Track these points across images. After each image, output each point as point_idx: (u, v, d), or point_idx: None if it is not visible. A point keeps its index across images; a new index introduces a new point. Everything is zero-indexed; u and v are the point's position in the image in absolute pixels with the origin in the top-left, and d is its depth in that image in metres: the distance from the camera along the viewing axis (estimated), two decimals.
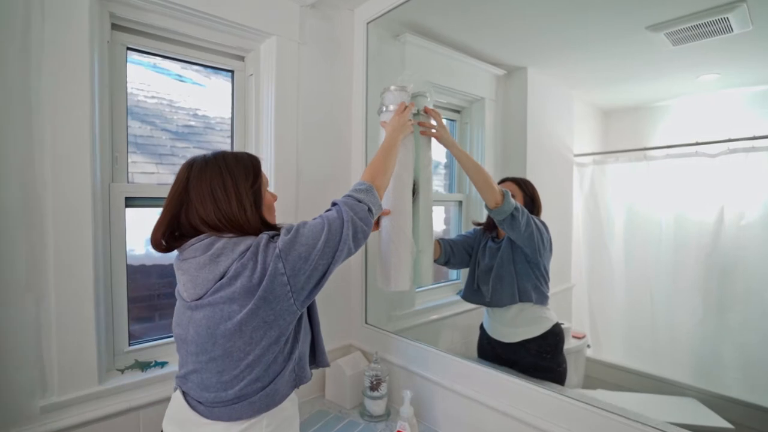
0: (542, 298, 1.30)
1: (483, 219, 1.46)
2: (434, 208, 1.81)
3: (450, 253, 1.44)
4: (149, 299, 1.39)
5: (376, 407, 1.40)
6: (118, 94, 1.25)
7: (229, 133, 1.54)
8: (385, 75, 1.60)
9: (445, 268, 1.78)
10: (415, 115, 1.25)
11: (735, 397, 1.20)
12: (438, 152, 1.70)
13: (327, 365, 0.96)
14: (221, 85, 1.51)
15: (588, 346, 1.47)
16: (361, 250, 1.62)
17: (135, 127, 1.29)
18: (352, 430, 1.35)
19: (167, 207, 0.82)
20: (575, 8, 1.31)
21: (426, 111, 1.28)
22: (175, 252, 0.85)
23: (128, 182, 1.28)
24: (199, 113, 1.45)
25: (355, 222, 0.86)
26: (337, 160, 1.66)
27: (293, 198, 1.51)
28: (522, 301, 1.30)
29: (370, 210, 0.92)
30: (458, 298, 1.48)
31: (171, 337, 1.34)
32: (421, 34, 1.59)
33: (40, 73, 1.01)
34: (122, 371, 1.23)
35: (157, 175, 1.37)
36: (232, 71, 1.50)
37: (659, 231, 1.38)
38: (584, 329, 1.49)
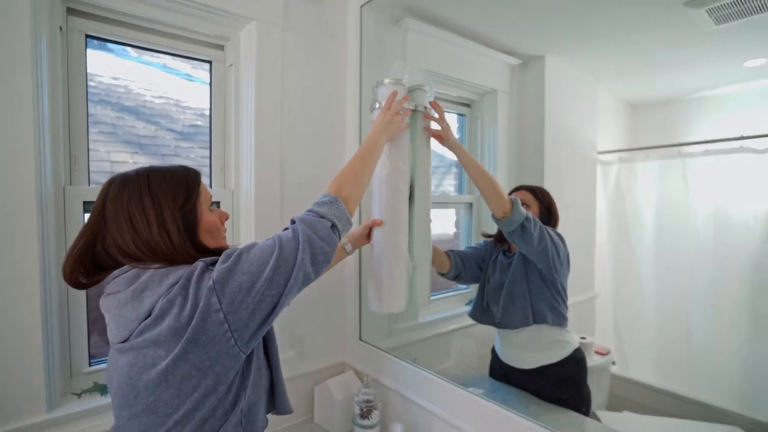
0: (560, 319, 1.17)
1: (494, 229, 1.33)
2: (444, 211, 1.70)
3: (461, 266, 1.32)
4: None
5: None
6: (75, 88, 1.14)
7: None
8: (383, 66, 1.47)
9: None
10: (412, 111, 1.10)
11: None
12: (434, 145, 1.64)
13: (289, 412, 0.83)
14: None
15: (613, 363, 1.35)
16: (356, 256, 1.49)
17: (140, 127, 1.29)
18: None
19: (80, 235, 0.70)
20: None
21: (432, 105, 1.14)
22: None
23: (90, 185, 1.17)
24: (206, 113, 1.43)
25: (313, 242, 0.72)
26: (328, 161, 1.53)
27: (277, 204, 1.39)
28: (537, 323, 1.16)
29: (334, 227, 0.78)
30: (468, 308, 1.37)
31: None
32: (424, 19, 1.47)
33: None
34: (79, 395, 1.12)
35: None
36: (209, 62, 1.38)
37: (696, 237, 1.25)
38: (609, 344, 1.37)
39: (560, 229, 1.19)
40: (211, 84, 1.40)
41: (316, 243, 0.72)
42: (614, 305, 1.41)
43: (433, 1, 1.45)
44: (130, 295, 0.65)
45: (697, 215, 1.25)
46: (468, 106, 1.61)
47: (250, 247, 0.70)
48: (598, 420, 1.18)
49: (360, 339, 1.52)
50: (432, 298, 1.62)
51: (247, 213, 1.35)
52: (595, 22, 1.27)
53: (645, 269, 1.37)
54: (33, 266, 0.98)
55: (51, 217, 1.04)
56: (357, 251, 1.39)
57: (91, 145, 1.23)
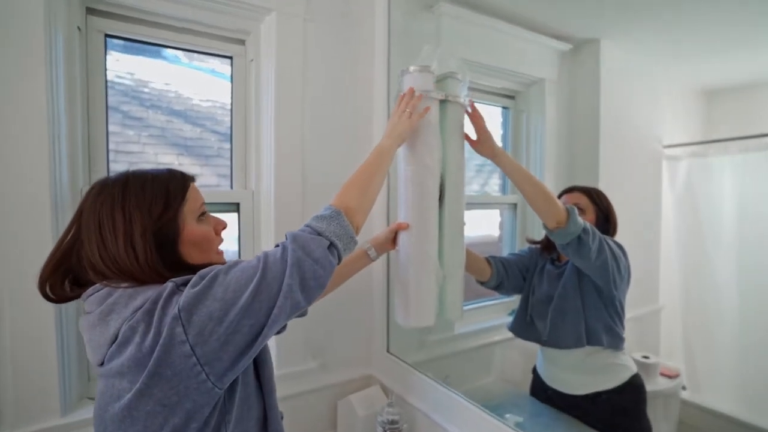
0: (616, 341, 1.03)
1: (540, 234, 1.20)
2: (487, 212, 1.59)
3: (503, 274, 1.20)
4: None
5: None
6: (94, 87, 1.14)
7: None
8: (413, 55, 1.37)
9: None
10: (442, 102, 0.99)
11: None
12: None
13: None
14: None
15: (683, 387, 1.18)
16: (384, 258, 1.39)
17: (187, 129, 1.33)
18: None
19: (58, 243, 0.65)
20: None
21: (471, 108, 1.03)
22: None
23: None
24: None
25: (303, 265, 0.62)
26: (353, 158, 1.44)
27: (298, 206, 1.33)
28: (590, 345, 1.02)
29: (333, 246, 0.68)
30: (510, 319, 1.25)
31: None
32: (460, 3, 1.37)
33: None
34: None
35: (202, 176, 1.37)
36: (230, 57, 1.35)
37: None
38: (677, 364, 1.20)
39: (620, 233, 1.05)
40: (232, 81, 1.37)
41: (307, 266, 0.63)
42: (683, 319, 1.24)
43: None
44: (97, 317, 0.60)
45: None
46: (512, 98, 1.49)
47: (229, 267, 0.61)
48: None
49: (387, 351, 1.42)
50: (469, 307, 1.54)
51: (268, 215, 1.31)
52: None
53: (722, 277, 1.19)
54: None
55: (67, 219, 1.04)
56: (386, 253, 1.30)
57: (139, 148, 1.27)
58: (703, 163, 1.20)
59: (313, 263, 0.63)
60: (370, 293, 1.50)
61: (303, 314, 0.97)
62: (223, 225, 0.75)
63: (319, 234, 0.67)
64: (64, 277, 0.65)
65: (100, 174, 1.16)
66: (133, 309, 0.58)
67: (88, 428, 1.02)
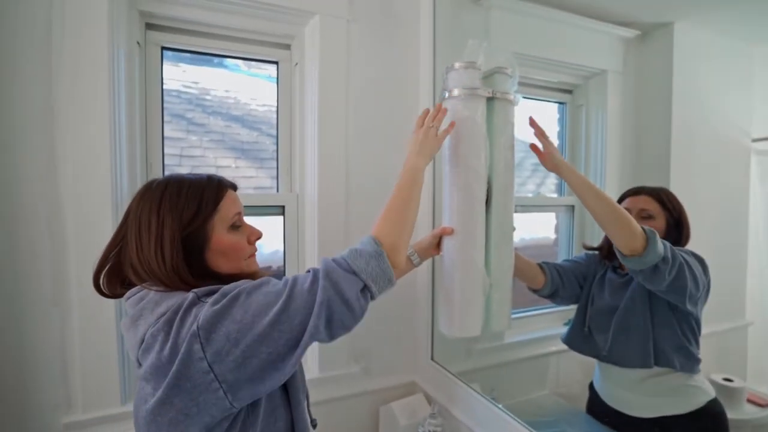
0: (690, 363, 0.92)
1: (596, 240, 1.12)
2: (543, 215, 1.50)
3: (558, 282, 1.11)
4: None
5: None
6: (152, 98, 1.22)
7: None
8: (460, 52, 1.33)
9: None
10: (489, 100, 0.93)
11: None
12: (536, 139, 1.46)
13: None
14: None
15: None
16: (429, 262, 1.36)
17: (244, 134, 1.39)
18: None
19: (110, 241, 0.68)
20: None
21: (533, 127, 0.96)
22: None
23: None
24: None
25: (332, 305, 0.59)
26: (398, 162, 1.41)
27: (341, 209, 1.32)
28: (659, 366, 0.92)
29: (366, 289, 0.64)
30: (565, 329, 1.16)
31: None
32: None
33: (60, 80, 1.00)
34: None
35: (256, 179, 1.41)
36: (276, 62, 1.38)
37: None
38: None
39: (699, 239, 0.94)
40: (277, 85, 1.40)
41: (336, 307, 0.59)
42: None
43: None
44: (130, 320, 0.62)
45: None
46: (569, 92, 1.39)
47: (254, 288, 0.60)
48: None
49: (431, 359, 1.38)
50: (521, 315, 1.46)
51: (312, 218, 1.32)
52: None
53: None
54: None
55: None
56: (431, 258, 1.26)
57: (200, 152, 1.34)
58: None
59: (342, 305, 0.60)
60: (415, 298, 1.47)
61: None
62: (258, 235, 0.75)
63: (355, 273, 0.64)
64: (113, 274, 0.68)
65: (156, 176, 1.25)
66: (157, 316, 0.59)
67: None
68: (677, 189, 0.99)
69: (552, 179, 1.53)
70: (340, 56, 1.30)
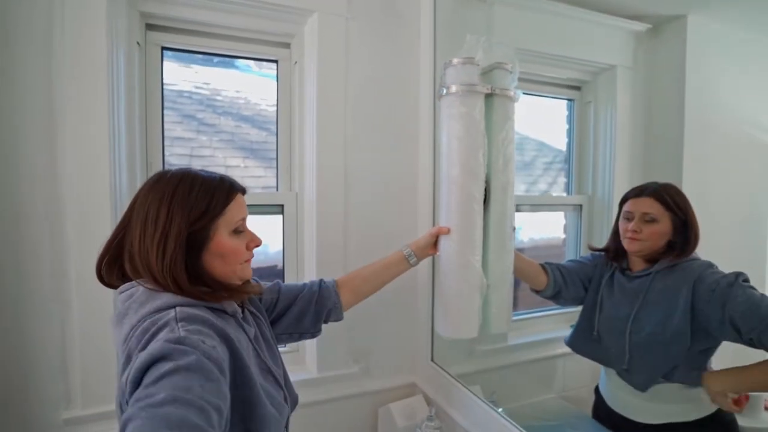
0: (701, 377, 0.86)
1: (602, 242, 1.08)
2: (553, 215, 1.48)
3: (561, 283, 1.08)
4: None
5: None
6: (152, 98, 1.22)
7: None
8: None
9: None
10: (488, 96, 0.91)
11: None
12: (547, 137, 1.43)
13: None
14: None
15: None
16: (429, 261, 1.34)
17: (253, 134, 1.40)
18: None
19: (116, 226, 0.68)
20: None
21: None
22: None
23: None
24: None
25: None
26: (398, 157, 1.42)
27: (340, 208, 1.32)
28: (671, 381, 0.88)
29: None
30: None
31: None
32: None
33: (60, 81, 1.02)
34: None
35: (265, 178, 1.42)
36: (276, 61, 1.37)
37: None
38: None
39: (711, 242, 0.90)
40: (277, 83, 1.40)
41: None
42: None
43: None
44: (117, 317, 0.62)
45: None
46: (577, 89, 1.35)
47: (163, 375, 0.52)
48: None
49: (431, 360, 1.36)
50: (525, 317, 1.43)
51: (311, 216, 1.31)
52: None
53: None
54: None
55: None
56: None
57: (210, 152, 1.35)
58: None
59: None
60: (416, 298, 1.45)
61: (339, 318, 0.95)
62: (257, 243, 0.75)
63: None
64: (113, 262, 0.68)
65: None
66: (140, 317, 0.59)
67: None
68: (690, 189, 0.94)
69: (563, 178, 1.50)
70: (339, 54, 1.29)
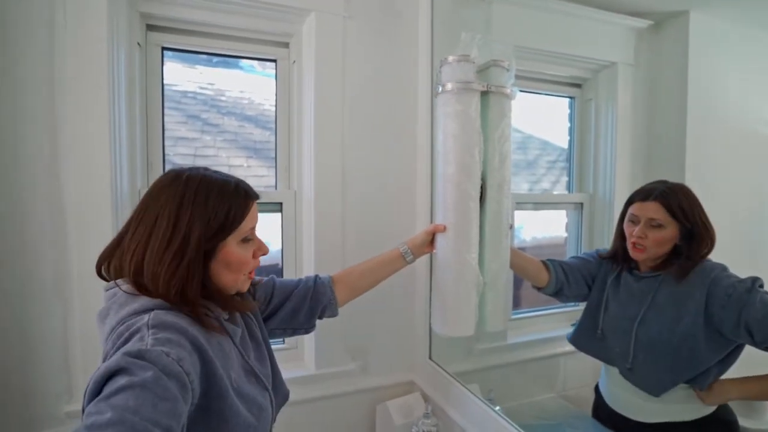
0: (708, 380, 0.85)
1: (605, 239, 1.09)
2: (555, 213, 1.47)
3: (563, 280, 1.07)
4: None
5: None
6: (153, 98, 1.24)
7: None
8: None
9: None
10: (484, 94, 0.91)
11: None
12: (551, 136, 1.42)
13: None
14: None
15: None
16: (427, 258, 1.33)
17: (257, 133, 1.40)
18: None
19: (124, 225, 0.67)
20: None
21: None
22: None
23: None
24: None
25: None
26: (397, 155, 1.41)
27: (338, 205, 1.32)
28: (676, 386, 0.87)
29: None
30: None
31: None
32: None
33: (61, 81, 1.03)
34: None
35: (268, 178, 1.42)
36: (274, 60, 1.38)
37: None
38: None
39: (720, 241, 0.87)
40: (276, 82, 1.40)
41: None
42: None
43: None
44: (100, 315, 0.62)
45: None
46: (578, 86, 1.34)
47: (116, 391, 0.51)
48: None
49: (429, 358, 1.36)
50: (525, 315, 1.42)
51: (309, 214, 1.32)
52: None
53: None
54: None
55: (125, 219, 1.14)
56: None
57: (214, 152, 1.36)
58: None
59: None
60: (414, 295, 1.45)
61: (333, 314, 0.95)
62: (265, 251, 0.73)
63: None
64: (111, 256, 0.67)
65: (157, 176, 1.27)
66: (119, 318, 0.59)
67: None
68: (692, 186, 0.92)
69: (566, 177, 1.49)
70: (336, 53, 1.29)
